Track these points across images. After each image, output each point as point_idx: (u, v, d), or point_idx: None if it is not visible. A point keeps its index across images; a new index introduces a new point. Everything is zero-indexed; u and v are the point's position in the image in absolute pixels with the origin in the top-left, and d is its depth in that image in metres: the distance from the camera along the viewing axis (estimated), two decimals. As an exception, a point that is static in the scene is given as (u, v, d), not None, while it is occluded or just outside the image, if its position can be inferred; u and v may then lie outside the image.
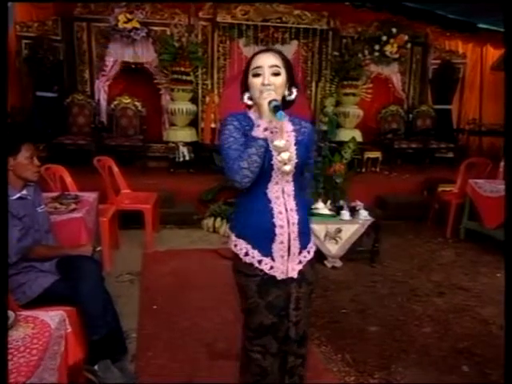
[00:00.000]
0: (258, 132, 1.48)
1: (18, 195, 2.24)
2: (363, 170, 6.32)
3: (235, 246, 1.65)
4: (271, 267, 1.62)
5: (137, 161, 5.90)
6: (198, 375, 2.31)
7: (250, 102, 1.61)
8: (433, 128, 6.95)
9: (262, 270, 1.62)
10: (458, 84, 7.40)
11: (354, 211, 3.97)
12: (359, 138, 6.08)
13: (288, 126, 1.64)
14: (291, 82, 1.61)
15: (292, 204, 1.62)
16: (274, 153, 1.54)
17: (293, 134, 1.63)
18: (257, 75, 1.55)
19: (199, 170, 5.84)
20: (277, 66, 1.55)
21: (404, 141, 6.70)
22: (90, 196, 3.30)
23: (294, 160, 1.58)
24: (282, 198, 1.60)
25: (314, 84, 6.63)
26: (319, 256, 3.40)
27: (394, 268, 3.92)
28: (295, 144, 1.61)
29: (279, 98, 1.55)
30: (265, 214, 1.60)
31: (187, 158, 5.86)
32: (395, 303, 3.25)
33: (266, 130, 1.48)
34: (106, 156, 4.44)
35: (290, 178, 1.61)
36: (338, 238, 3.85)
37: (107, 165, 4.27)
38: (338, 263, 3.89)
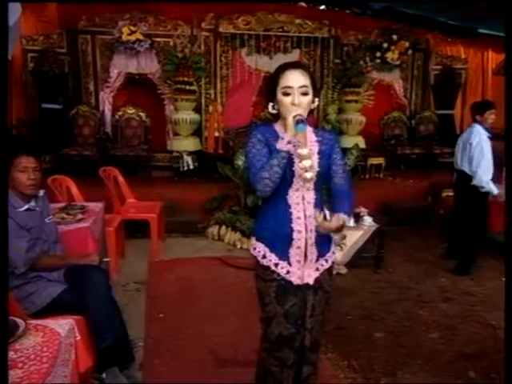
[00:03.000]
0: (281, 145, 1.56)
1: (25, 207, 2.26)
2: (367, 176, 6.32)
3: (254, 248, 1.71)
4: (288, 271, 1.67)
5: (141, 170, 5.94)
6: (205, 382, 2.33)
7: (274, 111, 1.69)
8: (436, 133, 6.94)
9: (278, 275, 1.66)
10: (460, 89, 7.40)
11: (358, 218, 3.98)
12: (362, 145, 6.11)
13: (312, 137, 1.72)
14: (314, 93, 1.68)
15: (311, 211, 1.66)
16: (296, 160, 1.60)
17: (316, 143, 1.71)
18: (287, 94, 1.62)
19: (203, 178, 5.86)
20: (306, 86, 1.63)
21: (407, 146, 6.71)
22: (96, 206, 3.34)
23: (316, 168, 1.64)
24: (301, 204, 1.66)
25: (316, 92, 6.66)
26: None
27: (399, 274, 3.92)
28: (318, 153, 1.68)
29: (305, 113, 1.62)
30: (284, 218, 1.66)
31: (191, 166, 5.90)
32: (401, 309, 3.25)
33: (289, 143, 1.55)
34: (111, 166, 4.49)
35: (311, 185, 1.67)
36: (342, 245, 3.84)
37: (112, 175, 4.32)
38: (343, 270, 3.89)
